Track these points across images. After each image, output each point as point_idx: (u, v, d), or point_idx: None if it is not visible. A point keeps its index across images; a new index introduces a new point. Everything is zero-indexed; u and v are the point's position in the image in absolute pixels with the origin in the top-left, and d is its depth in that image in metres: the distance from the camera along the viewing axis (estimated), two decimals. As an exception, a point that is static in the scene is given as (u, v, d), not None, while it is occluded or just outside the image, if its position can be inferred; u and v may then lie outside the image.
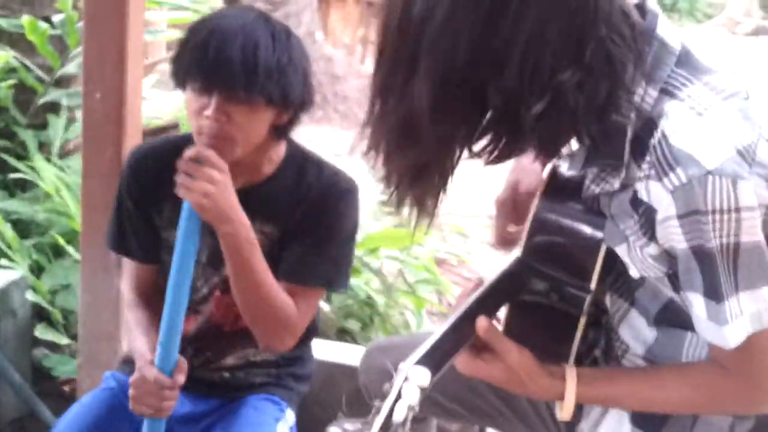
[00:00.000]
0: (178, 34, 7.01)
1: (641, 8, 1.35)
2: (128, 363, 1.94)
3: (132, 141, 2.46)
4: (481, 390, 1.73)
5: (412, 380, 1.23)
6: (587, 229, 1.43)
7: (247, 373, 1.95)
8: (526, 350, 1.37)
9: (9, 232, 3.05)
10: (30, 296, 2.83)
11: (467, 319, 1.37)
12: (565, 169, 1.50)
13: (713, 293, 1.28)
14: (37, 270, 3.06)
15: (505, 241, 1.71)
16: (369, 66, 8.98)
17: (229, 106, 1.67)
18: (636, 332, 1.47)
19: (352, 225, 1.87)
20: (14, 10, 3.70)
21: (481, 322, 1.36)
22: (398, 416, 1.20)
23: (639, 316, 1.47)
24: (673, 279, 1.36)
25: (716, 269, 1.26)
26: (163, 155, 1.87)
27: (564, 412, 1.39)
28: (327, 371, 2.36)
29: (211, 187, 1.64)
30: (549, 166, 1.55)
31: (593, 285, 1.41)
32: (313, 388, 2.11)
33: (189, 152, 1.66)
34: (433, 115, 1.23)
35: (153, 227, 1.90)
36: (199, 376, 1.90)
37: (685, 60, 1.34)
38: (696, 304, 1.30)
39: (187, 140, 1.79)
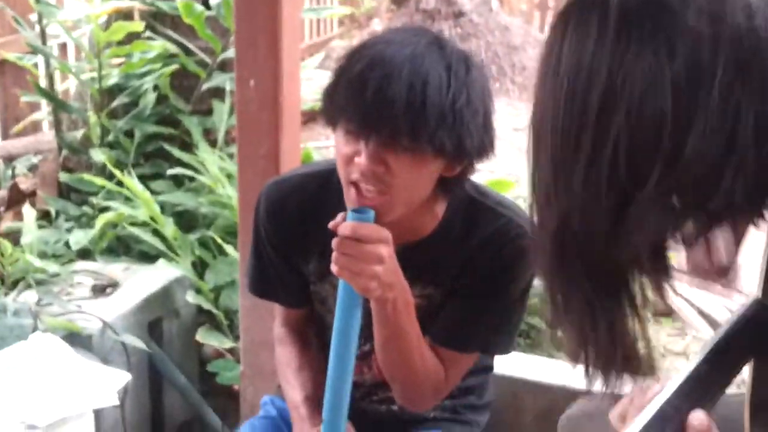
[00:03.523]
0: (346, 11, 6.90)
1: None
2: None
3: (290, 131, 2.26)
4: None
5: None
6: None
7: None
8: None
9: (170, 226, 2.92)
10: (190, 298, 2.69)
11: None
12: None
13: None
14: (201, 266, 2.92)
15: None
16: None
17: (389, 154, 1.37)
18: None
19: (525, 282, 1.54)
20: (175, -7, 3.58)
21: (697, 417, 0.87)
22: None
23: None
24: None
25: None
26: (305, 197, 1.60)
27: None
28: (509, 388, 2.07)
29: (378, 269, 1.36)
30: None
31: None
32: (495, 407, 1.83)
33: (344, 228, 1.37)
34: None
35: (300, 274, 1.64)
36: (364, 409, 1.65)
37: None
38: None
39: (330, 173, 1.53)
